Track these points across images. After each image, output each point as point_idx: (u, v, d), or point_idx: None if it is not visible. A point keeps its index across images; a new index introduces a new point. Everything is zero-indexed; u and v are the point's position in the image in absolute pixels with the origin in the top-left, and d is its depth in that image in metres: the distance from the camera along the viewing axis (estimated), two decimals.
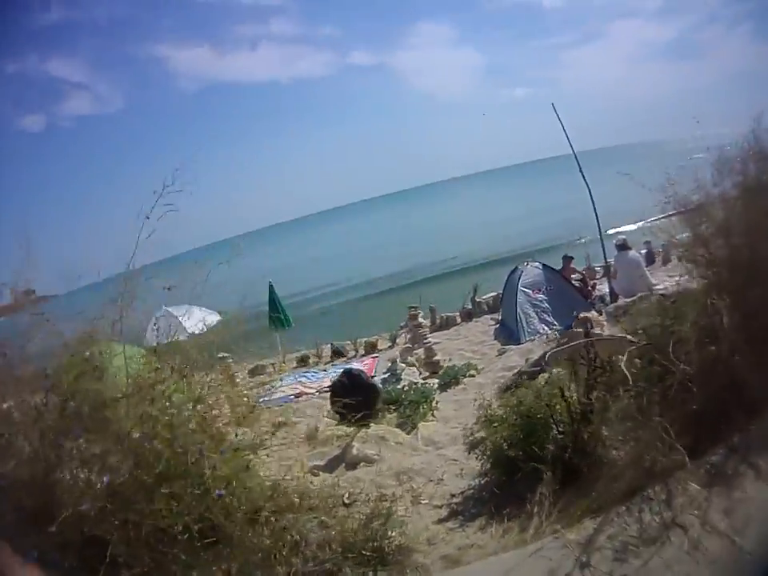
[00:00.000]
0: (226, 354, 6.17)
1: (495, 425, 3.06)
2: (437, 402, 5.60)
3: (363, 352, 10.04)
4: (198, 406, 3.02)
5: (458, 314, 10.75)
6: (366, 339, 10.33)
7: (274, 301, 10.59)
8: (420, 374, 7.43)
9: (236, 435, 2.99)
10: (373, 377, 7.44)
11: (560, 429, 2.76)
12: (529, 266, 8.93)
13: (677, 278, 3.66)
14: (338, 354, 10.18)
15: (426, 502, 3.28)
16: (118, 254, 2.82)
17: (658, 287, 6.17)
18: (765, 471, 2.22)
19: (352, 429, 4.77)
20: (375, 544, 2.41)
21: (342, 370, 6.45)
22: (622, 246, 7.84)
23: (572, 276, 9.03)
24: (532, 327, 7.94)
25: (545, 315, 8.07)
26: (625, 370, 2.58)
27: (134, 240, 2.78)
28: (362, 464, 4.21)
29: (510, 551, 2.34)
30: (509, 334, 8.42)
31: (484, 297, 10.81)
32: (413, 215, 54.81)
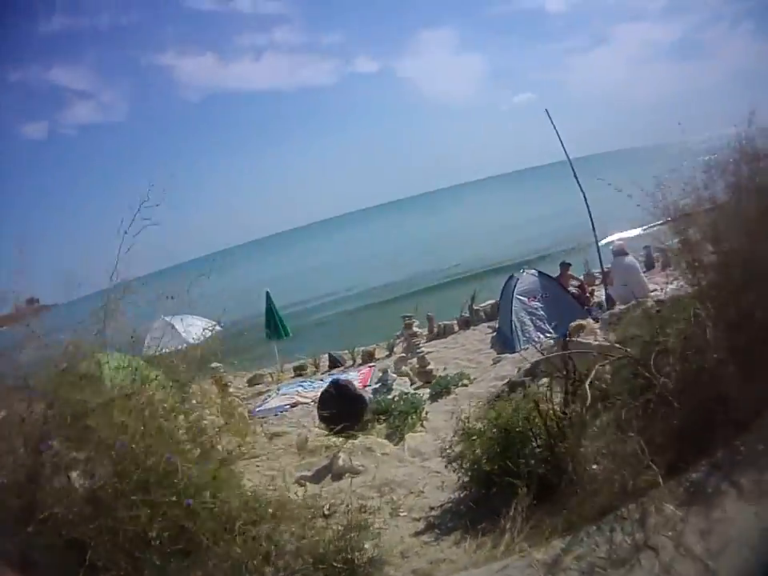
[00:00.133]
0: (218, 364, 6.14)
1: (473, 438, 2.97)
2: (427, 413, 5.50)
3: (360, 361, 9.99)
4: (181, 416, 3.02)
5: (455, 322, 10.68)
6: (363, 348, 10.29)
7: (271, 310, 10.56)
8: (412, 383, 7.35)
9: (221, 447, 2.98)
10: (368, 386, 7.37)
11: (537, 443, 2.66)
12: (525, 274, 8.91)
13: (669, 286, 3.57)
14: (335, 363, 10.11)
15: (405, 514, 3.24)
16: (119, 264, 2.87)
17: (656, 292, 6.04)
18: (747, 490, 2.10)
19: (341, 439, 4.71)
20: (347, 556, 2.39)
21: (330, 381, 6.38)
22: (619, 252, 7.72)
23: (570, 283, 8.93)
24: (527, 335, 7.88)
25: (540, 323, 8.00)
26: (602, 383, 2.47)
27: (136, 249, 2.88)
28: (347, 475, 4.15)
29: (481, 567, 2.29)
30: (505, 342, 8.37)
31: (482, 305, 10.76)
32: (414, 224, 54.76)
